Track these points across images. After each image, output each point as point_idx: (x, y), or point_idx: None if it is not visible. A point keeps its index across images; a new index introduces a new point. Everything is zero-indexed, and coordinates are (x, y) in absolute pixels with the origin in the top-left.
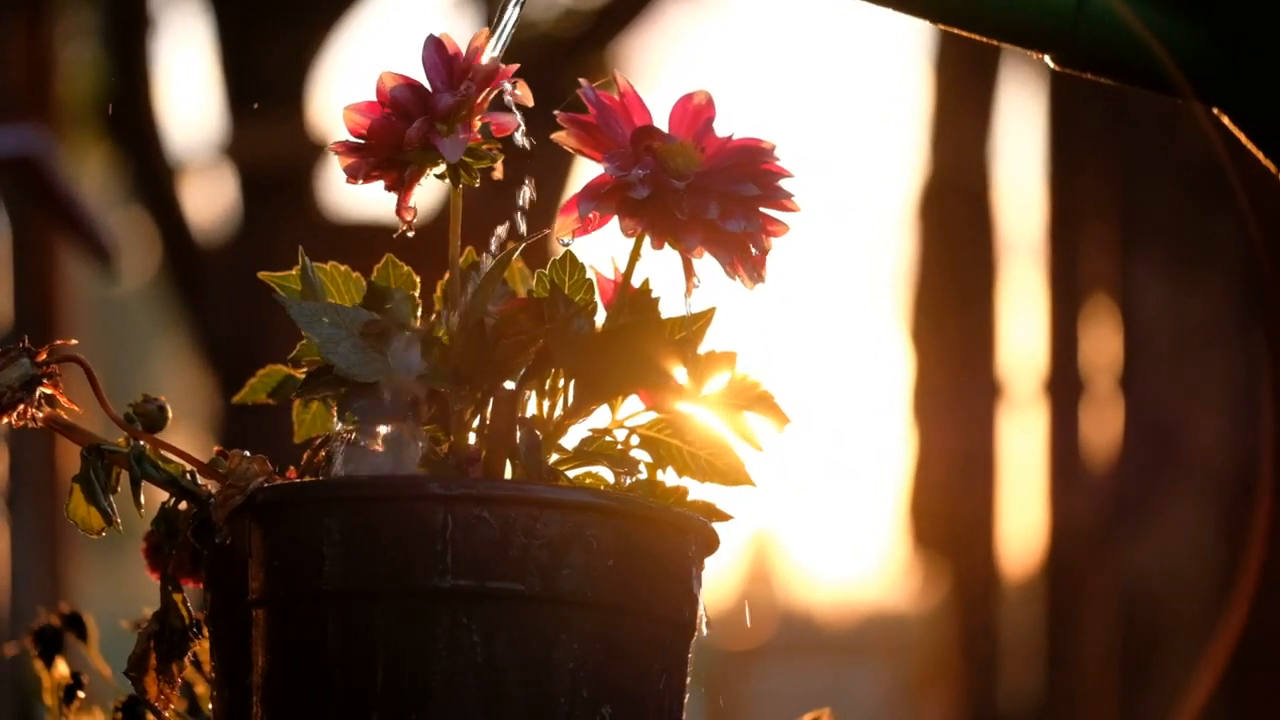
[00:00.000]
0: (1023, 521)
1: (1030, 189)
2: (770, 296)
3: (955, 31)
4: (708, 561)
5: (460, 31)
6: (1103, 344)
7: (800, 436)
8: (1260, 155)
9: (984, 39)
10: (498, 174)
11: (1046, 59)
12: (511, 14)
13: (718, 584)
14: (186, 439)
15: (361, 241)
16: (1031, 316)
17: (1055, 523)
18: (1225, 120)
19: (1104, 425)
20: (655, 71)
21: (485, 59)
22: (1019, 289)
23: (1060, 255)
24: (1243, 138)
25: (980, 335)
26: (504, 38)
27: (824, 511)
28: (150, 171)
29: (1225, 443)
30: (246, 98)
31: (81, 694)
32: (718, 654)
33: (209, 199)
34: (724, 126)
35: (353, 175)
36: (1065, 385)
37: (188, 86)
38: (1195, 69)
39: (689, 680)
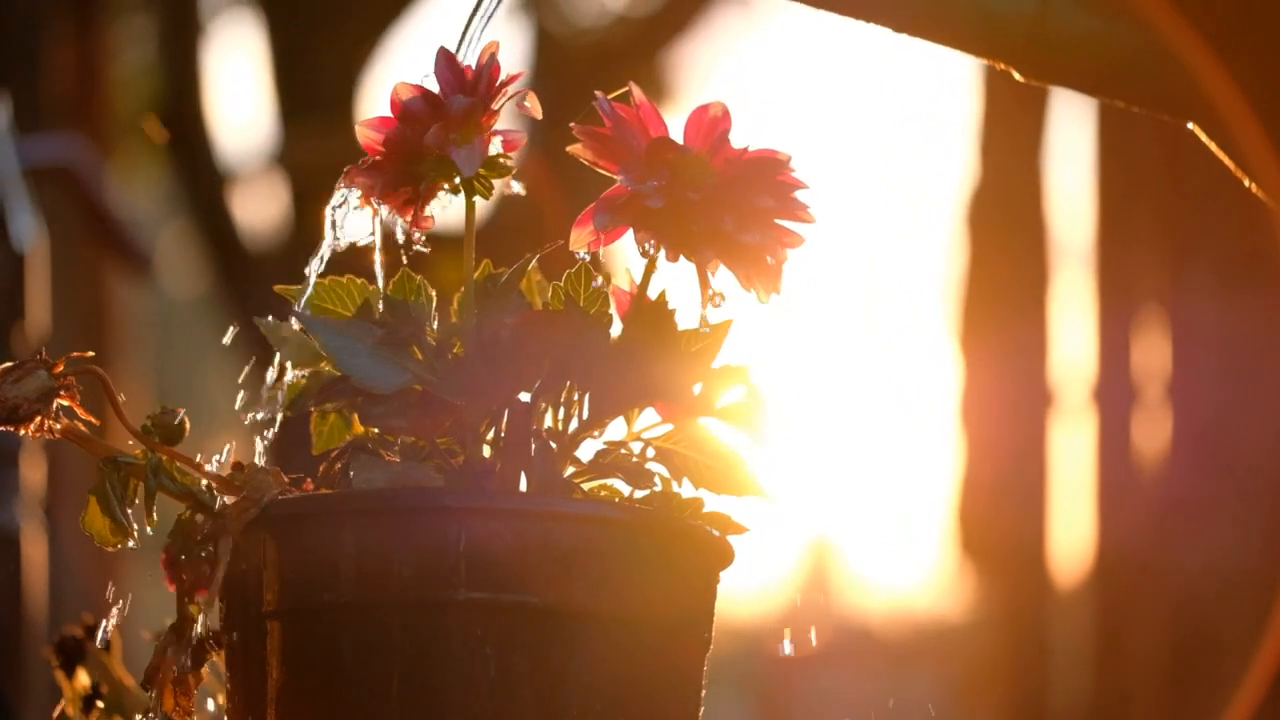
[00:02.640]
0: (1072, 529)
1: (1081, 196)
2: (819, 303)
3: (921, 40)
4: (765, 569)
5: (509, 40)
6: (1153, 352)
7: (851, 444)
8: (1235, 169)
9: (946, 47)
10: (512, 189)
11: (1014, 72)
12: (489, 8)
13: (774, 591)
14: (238, 449)
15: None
16: (1082, 324)
17: (1105, 530)
18: (1200, 134)
19: (1154, 433)
20: (705, 79)
21: (462, 55)
22: (1069, 297)
23: (1111, 263)
24: (1217, 151)
25: (1030, 343)
26: (478, 34)
27: (876, 519)
28: (201, 179)
29: (1275, 451)
30: (298, 105)
31: (100, 704)
32: (771, 659)
33: (260, 207)
34: (742, 137)
35: (368, 193)
36: (1115, 393)
37: (239, 94)
38: (1162, 82)
39: (704, 692)
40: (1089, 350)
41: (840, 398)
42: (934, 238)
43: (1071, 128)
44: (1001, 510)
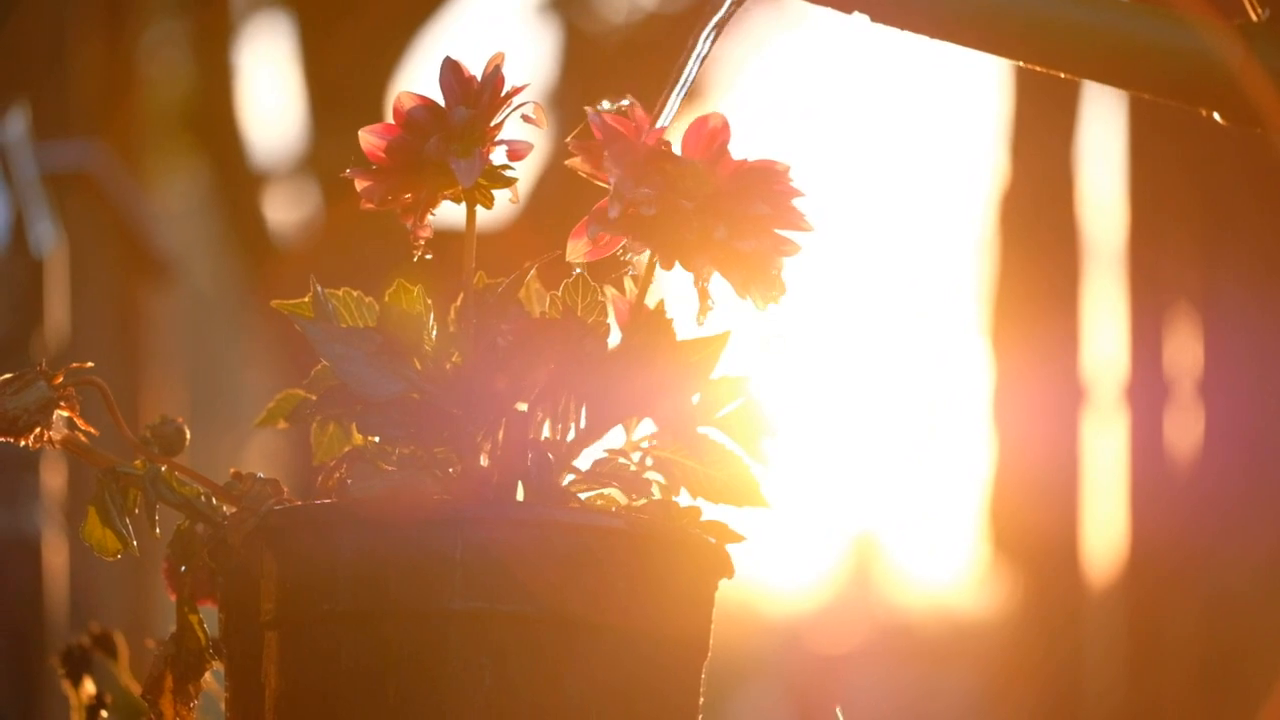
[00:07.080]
0: (1105, 527)
1: (1113, 194)
2: (852, 303)
3: (1124, 89)
4: (804, 567)
5: (537, 40)
6: (1185, 350)
7: (886, 444)
8: None
9: (1146, 95)
10: (513, 200)
11: (1215, 115)
12: (684, 83)
13: (815, 588)
14: (262, 454)
15: (443, 250)
16: (1113, 322)
17: (1138, 528)
18: None
19: (1187, 431)
20: (737, 75)
21: (658, 121)
22: (1101, 295)
23: (1143, 261)
24: None
25: (1062, 341)
26: (675, 102)
27: (911, 518)
28: (232, 181)
29: None
30: (328, 108)
31: (105, 714)
32: (810, 655)
33: (290, 208)
34: (749, 145)
35: (369, 199)
36: (1148, 391)
37: (268, 98)
38: None
39: (701, 700)
40: (1121, 348)
41: (875, 399)
42: (965, 237)
43: (1102, 126)
44: (1034, 508)
